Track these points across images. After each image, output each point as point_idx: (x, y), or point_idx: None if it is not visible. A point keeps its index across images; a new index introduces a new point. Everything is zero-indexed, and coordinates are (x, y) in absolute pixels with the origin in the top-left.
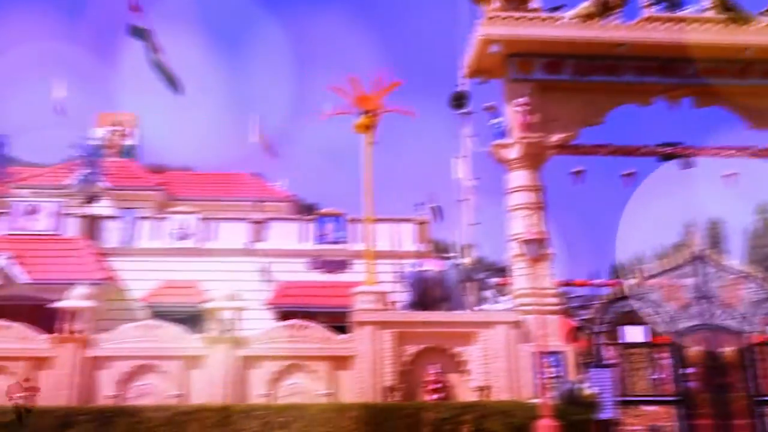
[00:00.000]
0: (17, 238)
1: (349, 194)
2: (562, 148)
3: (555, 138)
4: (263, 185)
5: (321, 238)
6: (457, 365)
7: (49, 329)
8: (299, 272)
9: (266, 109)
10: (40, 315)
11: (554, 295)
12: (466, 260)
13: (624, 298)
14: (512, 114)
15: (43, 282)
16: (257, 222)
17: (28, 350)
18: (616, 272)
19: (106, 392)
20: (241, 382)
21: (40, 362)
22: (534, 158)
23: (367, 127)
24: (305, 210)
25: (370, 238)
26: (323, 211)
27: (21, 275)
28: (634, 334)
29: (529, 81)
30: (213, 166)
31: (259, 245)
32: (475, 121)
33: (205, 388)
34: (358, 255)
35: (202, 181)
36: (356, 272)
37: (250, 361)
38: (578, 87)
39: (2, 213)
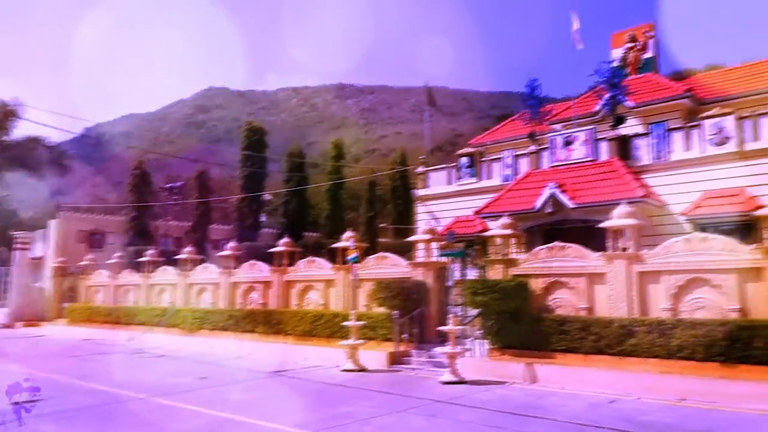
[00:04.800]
0: (559, 169)
1: None
2: None
3: None
4: None
5: None
6: None
7: (598, 247)
8: None
9: None
10: (589, 235)
11: None
12: None
13: None
14: None
15: (587, 205)
16: None
17: (584, 267)
18: None
19: (659, 305)
20: None
21: (594, 278)
22: None
23: None
24: None
25: None
26: None
27: (568, 201)
28: None
29: None
30: (745, 57)
31: None
32: None
33: None
34: None
35: (735, 76)
36: None
37: None
38: None
39: (544, 148)
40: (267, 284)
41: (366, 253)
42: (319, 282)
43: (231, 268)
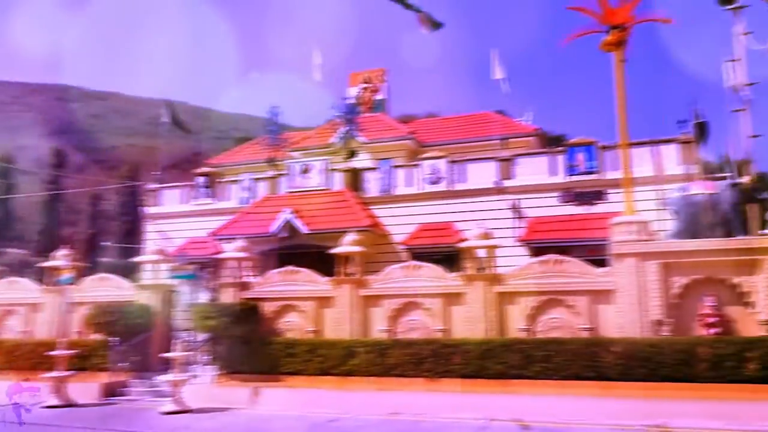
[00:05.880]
0: (296, 195)
1: (600, 120)
2: None
3: None
4: (508, 122)
5: (572, 170)
6: (738, 297)
7: (328, 272)
8: (551, 206)
9: (503, 42)
10: (321, 260)
11: None
12: (745, 179)
13: None
14: None
15: (320, 231)
16: (505, 159)
17: (314, 291)
18: None
19: (379, 327)
20: (499, 317)
21: (323, 301)
22: None
23: (617, 44)
24: (553, 142)
25: (626, 165)
26: (573, 141)
27: (302, 227)
28: None
29: None
30: (458, 109)
31: (509, 182)
32: (749, 14)
33: (466, 324)
34: (613, 184)
35: (449, 125)
36: (612, 202)
37: (506, 297)
38: None
39: (282, 174)
40: None
41: (85, 273)
42: (22, 306)
43: None
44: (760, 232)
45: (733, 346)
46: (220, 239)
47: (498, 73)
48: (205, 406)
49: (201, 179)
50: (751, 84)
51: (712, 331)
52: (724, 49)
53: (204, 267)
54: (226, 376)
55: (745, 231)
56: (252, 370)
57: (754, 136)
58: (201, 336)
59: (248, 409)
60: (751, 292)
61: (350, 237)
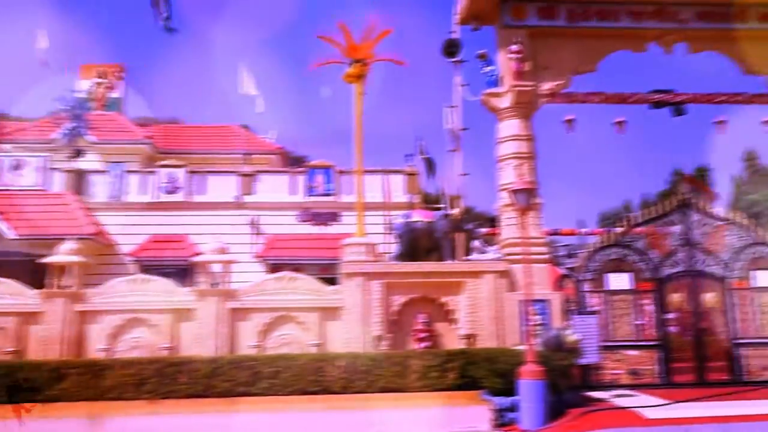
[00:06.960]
0: (3, 194)
1: (338, 146)
2: (554, 96)
3: (547, 86)
4: (252, 138)
5: (311, 191)
6: (445, 314)
7: (38, 284)
8: (289, 225)
9: (255, 60)
10: (29, 270)
11: (542, 245)
12: (455, 211)
13: (610, 246)
14: (505, 62)
15: (31, 237)
16: (246, 175)
17: (18, 305)
18: (604, 221)
19: (96, 346)
20: (230, 334)
21: (30, 317)
22: (525, 107)
23: (358, 77)
24: (295, 162)
25: (359, 190)
26: (313, 163)
27: (8, 231)
28: (618, 281)
29: (522, 27)
30: (201, 119)
31: (249, 198)
32: (467, 69)
33: (195, 341)
34: (347, 207)
35: (190, 134)
36: (346, 224)
37: (239, 313)
38: (571, 33)
39: None
40: None
41: None
42: None
43: None
44: (464, 257)
45: (438, 358)
46: None
47: (246, 88)
48: None
49: None
50: (464, 129)
51: (423, 345)
52: (446, 96)
53: None
54: None
55: (453, 256)
56: None
57: (464, 174)
58: None
59: None
60: (455, 310)
61: (68, 245)
